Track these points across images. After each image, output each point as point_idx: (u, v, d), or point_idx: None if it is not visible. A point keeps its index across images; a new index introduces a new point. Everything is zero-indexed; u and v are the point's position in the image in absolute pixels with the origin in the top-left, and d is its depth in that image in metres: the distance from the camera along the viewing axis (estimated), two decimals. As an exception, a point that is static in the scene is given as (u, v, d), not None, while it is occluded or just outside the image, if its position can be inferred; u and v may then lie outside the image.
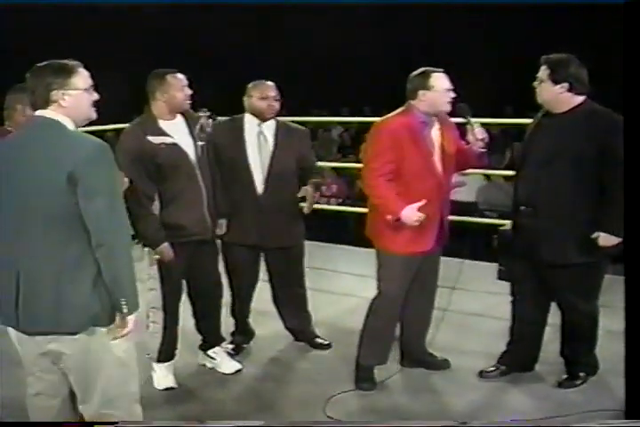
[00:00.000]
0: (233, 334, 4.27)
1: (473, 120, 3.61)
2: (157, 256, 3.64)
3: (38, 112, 2.54)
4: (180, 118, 3.73)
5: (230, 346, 4.16)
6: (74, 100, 2.52)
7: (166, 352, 3.83)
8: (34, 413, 2.74)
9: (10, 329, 2.63)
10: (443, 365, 3.96)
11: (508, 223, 3.75)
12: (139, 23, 12.37)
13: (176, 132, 3.68)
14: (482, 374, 3.84)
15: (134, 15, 12.01)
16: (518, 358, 3.81)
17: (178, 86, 3.66)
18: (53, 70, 2.52)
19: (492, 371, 3.84)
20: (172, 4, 12.40)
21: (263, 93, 3.94)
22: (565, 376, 3.70)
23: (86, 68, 2.59)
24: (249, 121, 4.00)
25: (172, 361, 3.87)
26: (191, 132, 3.72)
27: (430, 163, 3.58)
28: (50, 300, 2.47)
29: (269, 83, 4.02)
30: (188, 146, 3.69)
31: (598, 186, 3.37)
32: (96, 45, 11.41)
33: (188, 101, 3.72)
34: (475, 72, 10.43)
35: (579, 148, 3.35)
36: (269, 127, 4.01)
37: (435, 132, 3.62)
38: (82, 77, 2.56)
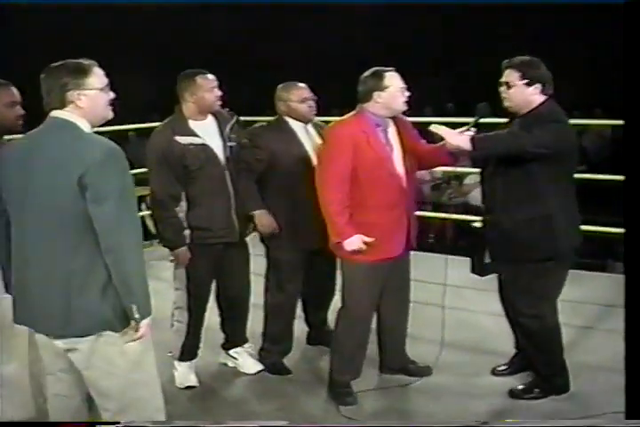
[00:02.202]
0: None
1: (480, 120, 3.48)
2: (172, 258, 3.68)
3: (54, 113, 2.50)
4: (211, 119, 3.74)
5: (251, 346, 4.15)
6: (90, 100, 2.48)
7: (189, 351, 3.87)
8: (53, 413, 2.73)
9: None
10: (424, 372, 3.88)
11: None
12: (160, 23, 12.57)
13: (206, 132, 3.68)
14: (494, 371, 3.86)
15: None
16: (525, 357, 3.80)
17: (207, 87, 3.66)
18: (69, 71, 2.47)
19: (504, 369, 3.86)
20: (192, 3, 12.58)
21: (301, 96, 3.84)
22: (521, 386, 3.64)
23: (101, 66, 2.54)
24: (294, 124, 3.88)
25: (194, 360, 3.90)
26: (222, 133, 3.72)
27: (390, 166, 3.48)
28: (59, 304, 2.45)
29: (302, 84, 3.91)
30: (217, 147, 3.69)
31: (538, 186, 3.35)
32: (116, 45, 11.62)
33: (218, 102, 3.71)
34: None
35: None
36: (311, 128, 3.92)
37: (392, 134, 3.53)
38: (97, 77, 2.52)
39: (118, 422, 2.60)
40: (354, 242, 3.42)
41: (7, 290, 2.75)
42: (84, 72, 2.49)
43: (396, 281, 3.70)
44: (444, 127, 3.29)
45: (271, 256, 3.96)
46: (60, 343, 2.54)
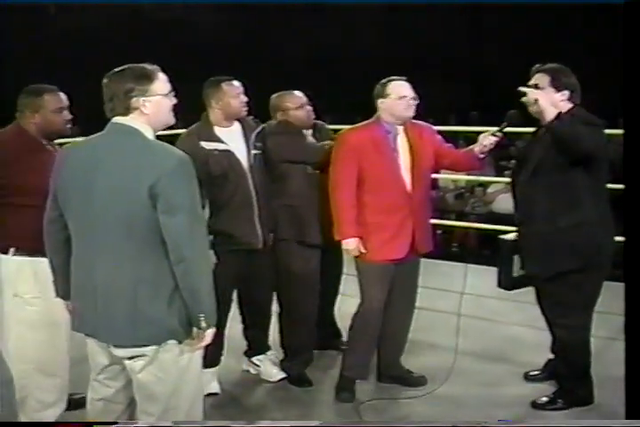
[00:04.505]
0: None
1: (505, 129, 3.54)
2: None
3: (117, 119, 2.45)
4: (237, 126, 3.77)
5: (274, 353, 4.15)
6: (154, 106, 2.43)
7: (211, 358, 3.83)
8: (95, 416, 2.68)
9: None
10: (419, 381, 3.89)
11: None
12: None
13: (231, 139, 3.70)
14: (526, 376, 3.89)
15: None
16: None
17: (232, 93, 3.70)
18: (134, 76, 2.42)
19: (536, 375, 3.88)
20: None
21: (298, 103, 3.92)
22: (545, 398, 3.62)
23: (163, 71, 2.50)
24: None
25: (217, 367, 3.90)
26: (247, 140, 3.75)
27: (395, 172, 3.61)
28: (127, 313, 2.42)
29: (296, 91, 3.99)
30: (241, 154, 3.71)
31: (571, 196, 3.34)
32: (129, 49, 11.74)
33: (245, 108, 3.75)
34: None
35: (551, 155, 3.32)
36: (310, 134, 3.99)
37: (401, 141, 3.63)
38: (162, 82, 2.47)
39: (117, 422, 2.62)
40: (350, 243, 3.63)
41: (58, 294, 2.74)
42: (148, 78, 2.44)
43: (402, 286, 3.77)
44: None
45: (283, 263, 3.95)
46: (120, 352, 2.50)
